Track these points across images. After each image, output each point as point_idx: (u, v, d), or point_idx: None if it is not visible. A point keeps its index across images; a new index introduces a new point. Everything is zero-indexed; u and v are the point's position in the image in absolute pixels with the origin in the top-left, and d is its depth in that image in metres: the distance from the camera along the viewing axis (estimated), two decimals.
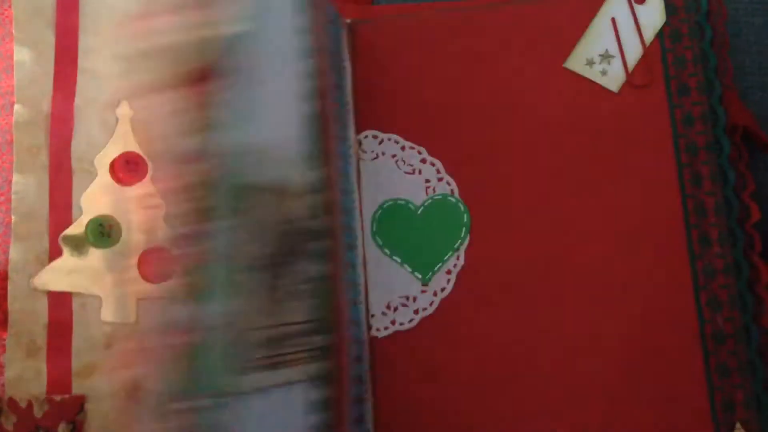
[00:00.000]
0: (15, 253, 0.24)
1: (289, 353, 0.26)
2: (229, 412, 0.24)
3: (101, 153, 0.26)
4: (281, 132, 0.28)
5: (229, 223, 0.25)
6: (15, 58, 0.25)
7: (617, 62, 0.32)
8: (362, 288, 0.32)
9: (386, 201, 0.33)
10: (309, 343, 0.27)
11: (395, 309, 0.32)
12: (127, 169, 0.25)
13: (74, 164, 0.25)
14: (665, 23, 0.32)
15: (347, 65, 0.34)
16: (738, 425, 0.28)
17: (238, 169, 0.25)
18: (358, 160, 0.34)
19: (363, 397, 0.31)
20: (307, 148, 0.28)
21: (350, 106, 0.34)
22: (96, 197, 0.25)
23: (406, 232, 0.33)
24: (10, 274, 0.24)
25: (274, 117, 0.27)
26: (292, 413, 0.26)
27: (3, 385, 0.23)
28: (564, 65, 0.32)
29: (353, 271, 0.32)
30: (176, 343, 0.24)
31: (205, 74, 0.25)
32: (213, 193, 0.25)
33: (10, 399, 0.23)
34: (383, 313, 0.32)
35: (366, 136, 0.34)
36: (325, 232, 0.28)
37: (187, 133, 0.25)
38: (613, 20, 0.32)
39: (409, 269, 0.32)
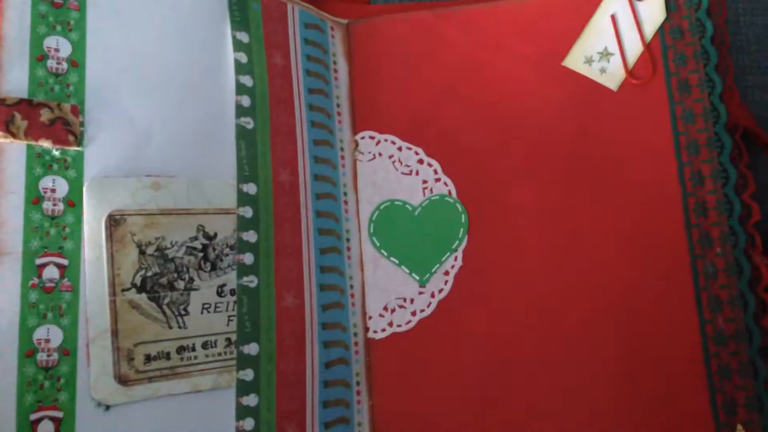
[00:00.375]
0: None
1: (199, 363, 0.27)
2: (118, 420, 0.25)
3: None
4: (200, 152, 0.28)
5: (95, 252, 0.25)
6: None
7: (616, 60, 0.32)
8: (355, 290, 0.32)
9: (383, 202, 0.33)
10: (225, 352, 0.28)
11: (393, 311, 0.32)
12: None
13: None
14: (665, 20, 0.31)
15: (340, 69, 0.34)
16: (739, 427, 0.28)
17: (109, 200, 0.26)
18: (355, 161, 0.33)
19: (345, 400, 0.30)
20: (238, 162, 0.28)
21: (343, 109, 0.33)
22: None
23: (404, 233, 0.32)
24: None
25: (189, 133, 0.28)
26: (206, 419, 0.27)
27: None
28: (562, 63, 0.32)
29: (339, 276, 0.31)
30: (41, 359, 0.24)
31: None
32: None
33: None
34: (380, 315, 0.32)
35: (363, 137, 0.33)
36: (255, 245, 0.28)
37: None
38: (613, 17, 0.32)
39: (407, 270, 0.32)
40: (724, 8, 0.31)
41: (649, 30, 0.31)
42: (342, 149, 0.33)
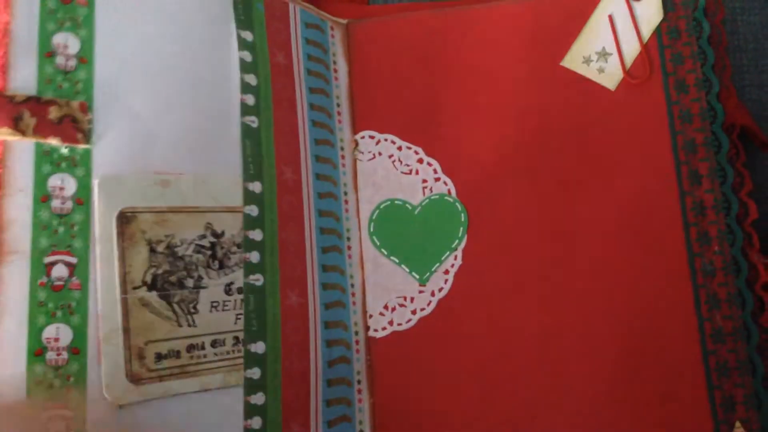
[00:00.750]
0: None
1: (208, 362, 0.27)
2: (130, 419, 0.25)
3: None
4: (207, 149, 0.28)
5: (106, 250, 0.26)
6: None
7: (614, 60, 0.32)
8: (356, 289, 0.32)
9: (383, 201, 0.33)
10: (233, 351, 0.28)
11: (393, 309, 0.32)
12: None
13: None
14: (662, 20, 0.31)
15: (340, 69, 0.34)
16: (738, 424, 0.28)
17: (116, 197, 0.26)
18: (355, 160, 0.34)
19: (347, 398, 0.30)
20: (243, 160, 0.28)
21: (343, 108, 0.34)
22: None
23: (404, 233, 0.32)
24: None
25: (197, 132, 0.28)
26: (214, 417, 0.27)
27: None
28: (561, 63, 0.32)
29: (340, 275, 0.32)
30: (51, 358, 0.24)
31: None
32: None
33: None
34: (381, 314, 0.32)
35: (363, 137, 0.34)
36: (260, 243, 0.28)
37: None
38: (610, 17, 0.32)
39: (407, 269, 0.32)
40: (721, 7, 0.32)
41: (647, 30, 0.32)
42: (342, 149, 0.33)
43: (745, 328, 0.29)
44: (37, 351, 0.24)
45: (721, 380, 0.29)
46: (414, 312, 0.32)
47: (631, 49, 0.32)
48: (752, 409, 0.28)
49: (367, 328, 0.32)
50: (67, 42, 0.26)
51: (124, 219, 0.26)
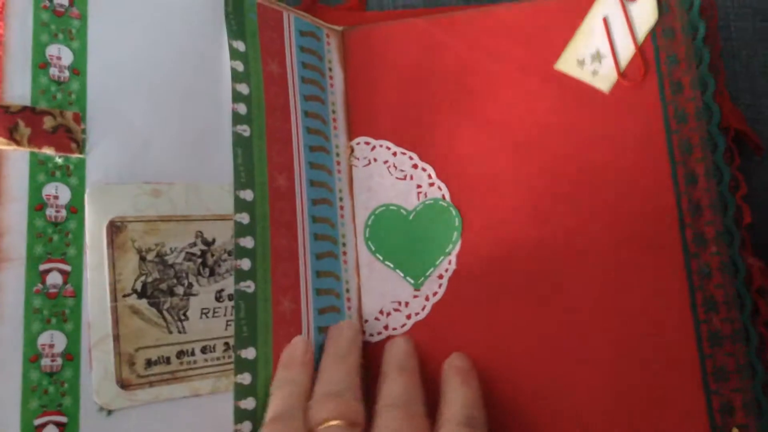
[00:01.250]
0: None
1: (198, 368, 0.27)
2: (120, 425, 0.26)
3: None
4: (199, 158, 0.29)
5: (97, 259, 0.26)
6: None
7: (608, 62, 0.32)
8: (351, 295, 0.32)
9: (378, 206, 0.33)
10: (223, 357, 0.28)
11: (388, 314, 0.32)
12: None
13: None
14: (657, 21, 0.31)
15: (335, 76, 0.34)
16: (735, 430, 0.28)
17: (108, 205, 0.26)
18: (351, 166, 0.34)
19: None
20: (235, 169, 0.28)
21: (338, 115, 0.34)
22: None
23: (399, 238, 0.33)
24: None
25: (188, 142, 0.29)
26: (204, 422, 0.27)
27: None
28: (555, 66, 0.32)
29: (335, 280, 0.32)
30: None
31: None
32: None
33: None
34: (376, 318, 0.32)
35: (358, 143, 0.34)
36: (252, 250, 0.28)
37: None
38: (605, 19, 0.32)
39: (402, 274, 0.32)
40: (715, 11, 0.31)
41: (642, 31, 0.32)
42: (338, 155, 0.34)
43: (745, 331, 0.29)
44: (32, 357, 0.24)
45: (718, 384, 0.28)
46: (408, 317, 0.32)
47: (626, 50, 0.32)
48: (751, 415, 0.28)
49: (363, 333, 0.32)
50: (60, 53, 0.26)
51: (114, 228, 0.27)
